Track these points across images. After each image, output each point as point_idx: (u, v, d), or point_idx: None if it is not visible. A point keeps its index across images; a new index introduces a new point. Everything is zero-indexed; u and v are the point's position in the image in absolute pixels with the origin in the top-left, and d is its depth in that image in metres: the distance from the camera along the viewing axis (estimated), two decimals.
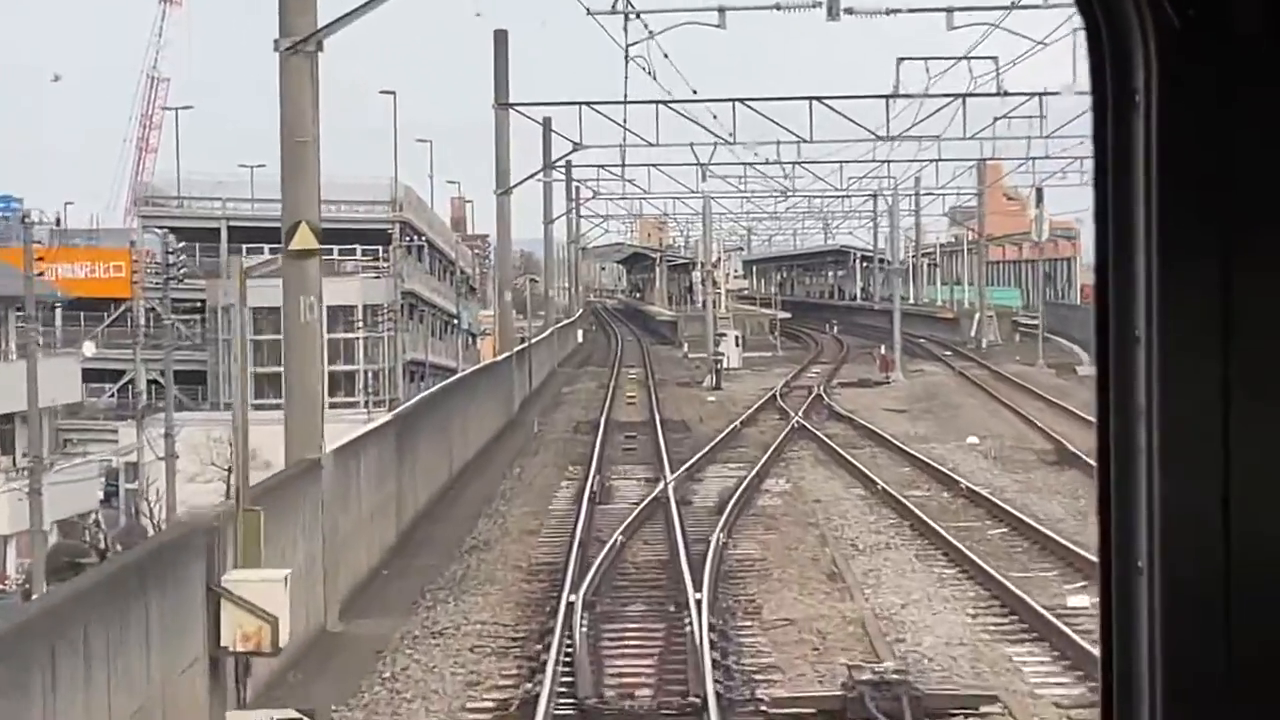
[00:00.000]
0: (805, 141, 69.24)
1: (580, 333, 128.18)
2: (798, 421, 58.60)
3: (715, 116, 66.52)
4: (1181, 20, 2.57)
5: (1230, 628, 2.60)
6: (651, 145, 68.01)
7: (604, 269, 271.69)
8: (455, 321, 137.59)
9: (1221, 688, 2.61)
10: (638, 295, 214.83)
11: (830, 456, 49.33)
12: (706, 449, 50.54)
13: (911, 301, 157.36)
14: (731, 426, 57.76)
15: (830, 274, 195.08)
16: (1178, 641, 2.62)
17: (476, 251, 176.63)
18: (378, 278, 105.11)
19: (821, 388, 76.02)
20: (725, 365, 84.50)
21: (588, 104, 66.49)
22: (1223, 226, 2.58)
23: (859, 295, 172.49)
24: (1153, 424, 2.61)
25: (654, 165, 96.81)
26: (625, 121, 68.38)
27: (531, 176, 68.49)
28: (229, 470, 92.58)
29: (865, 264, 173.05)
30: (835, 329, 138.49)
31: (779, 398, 70.58)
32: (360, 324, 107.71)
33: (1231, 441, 2.59)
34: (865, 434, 55.77)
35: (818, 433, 55.57)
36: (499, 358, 65.74)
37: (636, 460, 50.36)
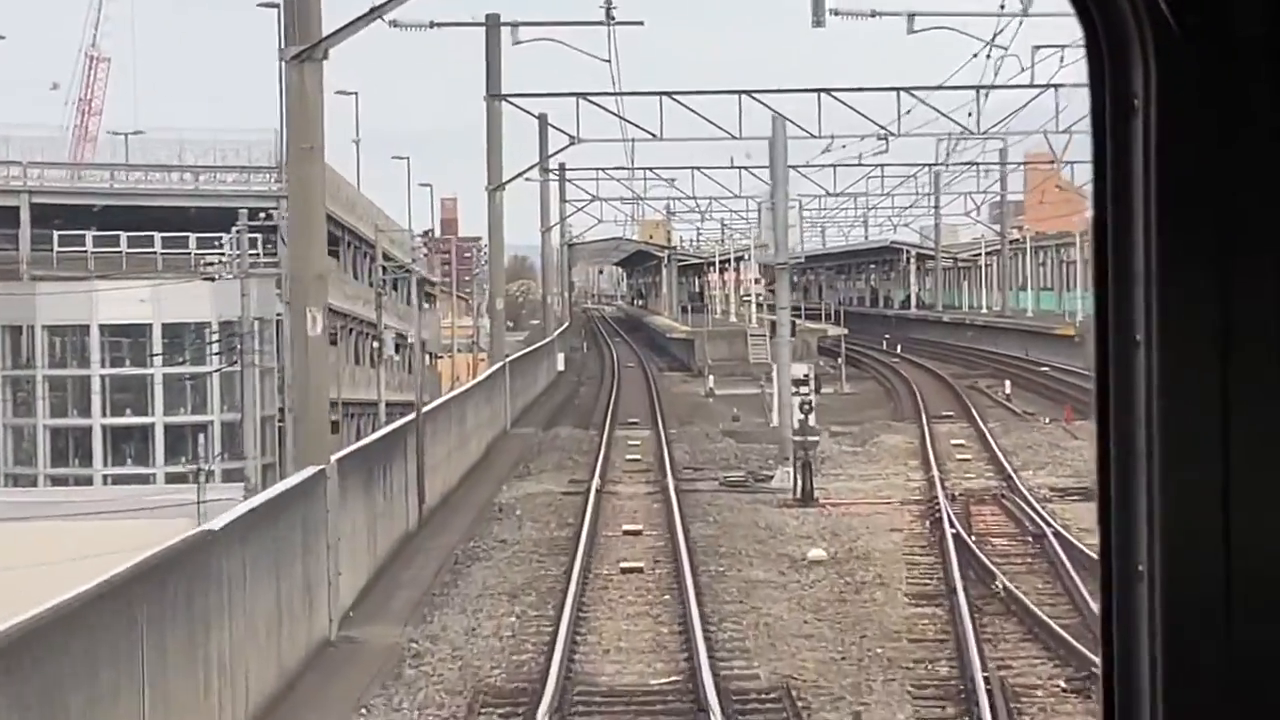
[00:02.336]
0: None
1: (561, 358, 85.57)
2: None
3: None
4: (1180, 25, 2.47)
5: (1230, 630, 2.49)
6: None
7: (601, 272, 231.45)
8: (403, 340, 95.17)
9: (1222, 689, 2.49)
10: (640, 302, 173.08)
11: None
12: None
13: (984, 309, 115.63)
14: None
15: (870, 277, 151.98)
16: (1178, 644, 2.51)
17: (439, 248, 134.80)
18: (209, 278, 61.69)
19: (1031, 501, 34.17)
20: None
21: None
22: (1221, 230, 2.48)
23: (913, 302, 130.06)
24: (1153, 427, 2.51)
25: (667, 94, 54.95)
26: None
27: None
28: None
29: (919, 264, 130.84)
30: (898, 347, 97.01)
31: (969, 539, 28.70)
32: (216, 350, 64.86)
33: (1231, 445, 2.48)
34: None
35: None
36: (296, 479, 23.11)
37: None
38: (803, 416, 36.22)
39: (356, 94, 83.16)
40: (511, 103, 54.98)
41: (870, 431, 51.33)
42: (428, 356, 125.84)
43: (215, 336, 62.78)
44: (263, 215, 62.79)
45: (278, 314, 69.71)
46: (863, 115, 54.98)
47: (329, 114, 25.36)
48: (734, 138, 54.97)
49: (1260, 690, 2.49)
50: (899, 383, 75.04)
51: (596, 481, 39.61)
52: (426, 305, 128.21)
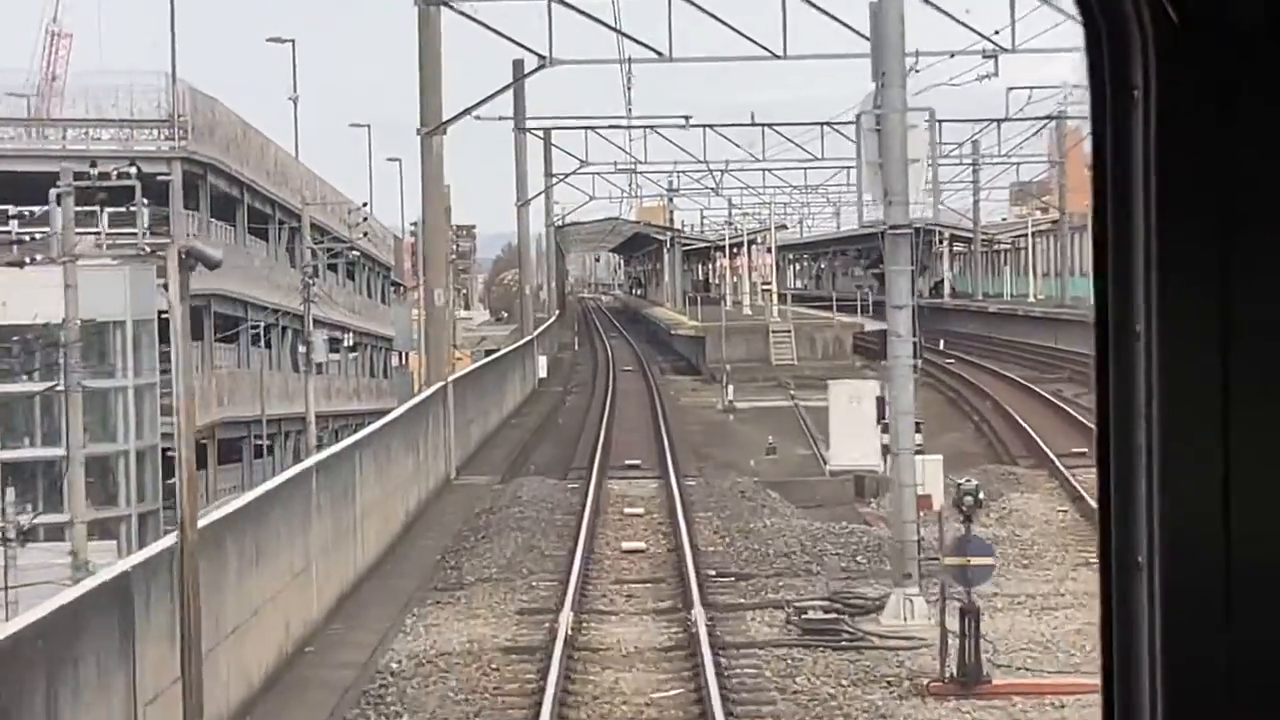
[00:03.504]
0: None
1: (544, 361, 67.43)
2: None
3: None
4: (1180, 17, 2.39)
5: (1230, 624, 2.41)
6: None
7: (598, 260, 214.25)
8: (343, 340, 77.25)
9: (1221, 685, 2.41)
10: (639, 292, 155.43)
11: None
12: None
13: (1030, 298, 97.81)
14: None
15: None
16: (1177, 638, 2.43)
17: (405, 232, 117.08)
18: (16, 264, 42.91)
19: None
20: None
21: None
22: (1221, 223, 2.41)
23: (946, 290, 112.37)
24: (1152, 421, 2.43)
25: None
26: None
27: None
28: None
29: (956, 247, 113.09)
30: (940, 342, 79.67)
31: None
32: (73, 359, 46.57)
33: (1231, 438, 2.40)
34: None
35: None
36: None
37: None
38: (963, 523, 17.97)
39: (293, 41, 65.06)
40: (453, 7, 36.61)
41: (987, 485, 33.22)
42: (397, 355, 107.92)
43: (71, 341, 44.63)
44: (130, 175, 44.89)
45: (160, 311, 51.73)
46: (961, 23, 36.91)
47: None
48: (776, 56, 36.94)
49: (1260, 683, 2.39)
50: (965, 390, 57.62)
51: (567, 616, 21.53)
52: (395, 295, 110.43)
